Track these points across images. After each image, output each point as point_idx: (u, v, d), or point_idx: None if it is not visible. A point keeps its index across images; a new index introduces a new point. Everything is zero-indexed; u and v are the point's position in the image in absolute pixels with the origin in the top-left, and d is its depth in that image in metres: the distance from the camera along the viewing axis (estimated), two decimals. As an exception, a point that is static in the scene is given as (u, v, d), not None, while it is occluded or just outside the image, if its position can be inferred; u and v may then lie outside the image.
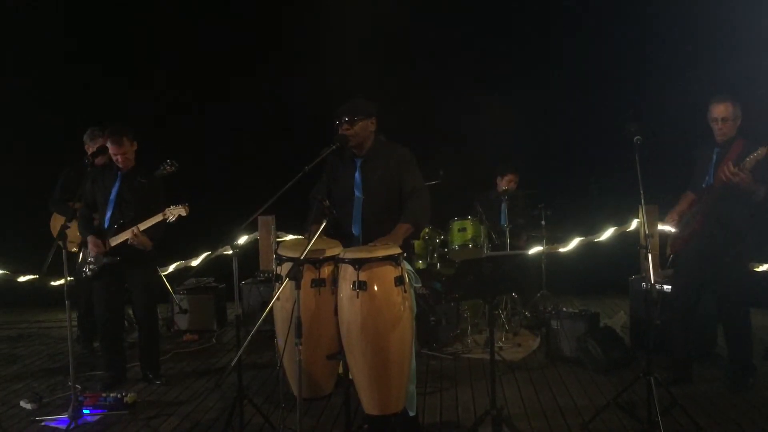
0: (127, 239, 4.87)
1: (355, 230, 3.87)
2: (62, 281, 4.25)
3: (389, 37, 7.44)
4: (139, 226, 4.86)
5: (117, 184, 5.02)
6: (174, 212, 4.84)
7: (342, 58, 7.38)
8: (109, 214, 5.01)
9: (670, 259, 4.87)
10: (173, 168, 5.42)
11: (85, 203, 5.13)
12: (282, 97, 7.68)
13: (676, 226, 4.79)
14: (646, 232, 4.05)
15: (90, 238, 4.97)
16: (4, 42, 7.65)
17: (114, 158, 5.01)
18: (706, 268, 4.68)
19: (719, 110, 4.58)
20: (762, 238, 4.76)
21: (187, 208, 4.88)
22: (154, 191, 5.07)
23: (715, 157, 4.64)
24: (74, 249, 5.45)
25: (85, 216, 5.13)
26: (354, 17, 7.23)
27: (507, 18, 7.63)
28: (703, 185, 4.68)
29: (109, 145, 4.98)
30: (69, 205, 5.65)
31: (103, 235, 4.98)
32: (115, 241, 4.92)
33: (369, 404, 3.53)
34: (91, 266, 5.01)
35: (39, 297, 7.36)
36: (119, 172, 5.04)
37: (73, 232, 5.34)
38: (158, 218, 4.85)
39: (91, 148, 5.66)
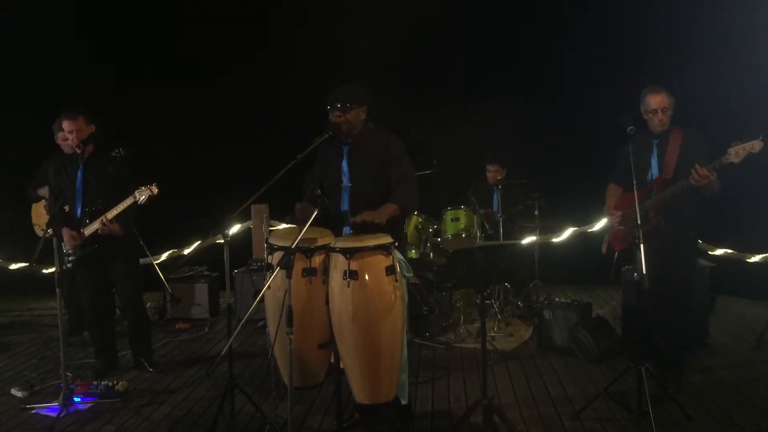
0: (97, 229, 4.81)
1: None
2: (53, 269, 4.23)
3: (389, 29, 7.39)
4: (107, 215, 4.76)
5: (80, 172, 4.91)
6: (144, 193, 4.72)
7: (336, 46, 7.34)
8: (79, 204, 4.91)
9: (615, 256, 4.66)
10: (119, 157, 5.34)
11: (51, 193, 5.04)
12: (275, 84, 7.64)
13: (620, 222, 4.58)
14: (639, 222, 4.04)
15: (65, 231, 4.84)
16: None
17: (69, 136, 4.87)
18: (665, 260, 4.45)
19: (658, 101, 4.41)
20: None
21: (156, 187, 4.75)
22: (121, 175, 4.95)
23: (655, 149, 4.49)
24: (41, 233, 5.46)
25: (53, 207, 5.01)
26: (355, 8, 7.18)
27: (502, 10, 7.61)
28: (648, 178, 4.49)
29: (63, 122, 4.87)
30: (36, 191, 5.79)
31: (77, 225, 4.88)
32: (89, 231, 4.83)
33: (360, 393, 3.54)
34: (71, 258, 4.92)
35: (31, 285, 7.31)
36: (81, 160, 4.92)
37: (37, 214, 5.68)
38: (129, 201, 4.74)
39: (60, 137, 5.59)
